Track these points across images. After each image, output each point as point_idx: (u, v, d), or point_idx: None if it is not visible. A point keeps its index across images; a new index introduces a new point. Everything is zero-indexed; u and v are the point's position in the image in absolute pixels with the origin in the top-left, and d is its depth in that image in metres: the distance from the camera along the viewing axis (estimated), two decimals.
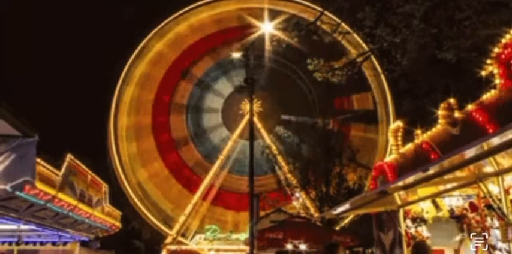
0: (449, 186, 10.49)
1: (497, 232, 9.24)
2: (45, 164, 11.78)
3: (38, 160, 10.83)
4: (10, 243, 16.91)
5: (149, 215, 44.07)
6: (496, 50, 9.33)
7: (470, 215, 10.78)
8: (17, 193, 9.77)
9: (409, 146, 13.80)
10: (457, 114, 10.88)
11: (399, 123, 15.33)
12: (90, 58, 79.15)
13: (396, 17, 15.59)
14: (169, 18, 47.61)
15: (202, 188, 46.60)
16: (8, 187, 9.61)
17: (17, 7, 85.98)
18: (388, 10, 15.85)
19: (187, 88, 50.76)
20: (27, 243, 16.93)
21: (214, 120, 51.36)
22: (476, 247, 9.98)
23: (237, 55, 31.90)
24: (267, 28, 21.44)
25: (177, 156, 49.25)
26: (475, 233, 10.13)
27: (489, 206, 9.55)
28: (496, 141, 6.99)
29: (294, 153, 41.32)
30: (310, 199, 37.89)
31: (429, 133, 12.38)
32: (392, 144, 15.15)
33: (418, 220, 13.13)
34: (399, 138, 14.79)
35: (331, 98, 46.84)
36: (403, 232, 13.46)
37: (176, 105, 50.09)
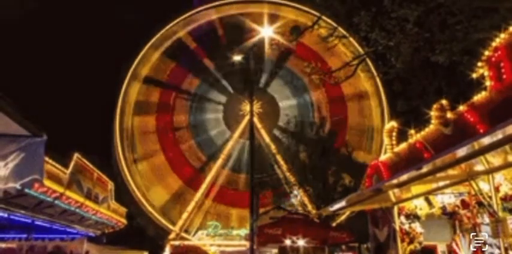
0: (441, 183, 10.80)
1: (488, 228, 9.38)
2: (53, 162, 11.90)
3: (46, 158, 11.09)
4: (20, 239, 17.04)
5: (153, 212, 44.35)
6: (487, 53, 9.60)
7: (462, 212, 10.96)
8: (26, 190, 10.11)
9: (403, 145, 13.97)
10: (449, 115, 11.09)
11: (393, 124, 15.47)
12: (95, 58, 79.50)
13: (390, 21, 15.75)
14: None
15: (204, 186, 46.83)
16: (17, 185, 9.98)
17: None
18: (382, 14, 16.07)
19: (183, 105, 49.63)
20: (36, 239, 16.96)
21: (222, 136, 50.36)
22: (476, 247, 10.07)
23: (237, 58, 31.91)
24: (266, 32, 21.66)
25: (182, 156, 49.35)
26: (475, 233, 10.22)
27: (480, 203, 9.77)
28: (486, 140, 7.27)
29: (292, 152, 41.62)
30: (308, 197, 38.21)
31: (422, 133, 12.57)
32: (387, 143, 15.25)
33: (412, 216, 13.35)
34: (393, 138, 14.93)
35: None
36: (397, 228, 13.76)
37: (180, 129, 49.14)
